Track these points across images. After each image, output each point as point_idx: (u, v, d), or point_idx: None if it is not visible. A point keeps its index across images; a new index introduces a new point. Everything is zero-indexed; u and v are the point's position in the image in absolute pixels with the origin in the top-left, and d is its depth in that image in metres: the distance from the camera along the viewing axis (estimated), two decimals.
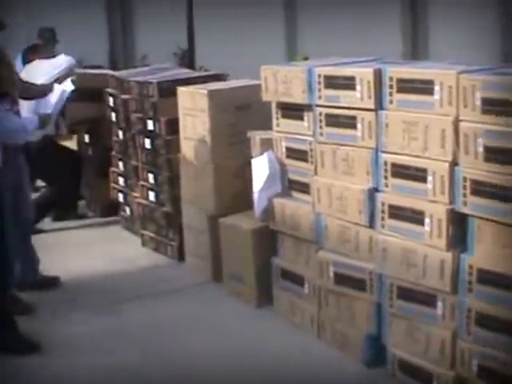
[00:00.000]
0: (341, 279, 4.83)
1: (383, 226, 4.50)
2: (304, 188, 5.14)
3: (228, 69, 11.56)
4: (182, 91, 6.24)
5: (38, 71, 7.34)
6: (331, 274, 4.88)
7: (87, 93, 7.77)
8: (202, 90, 6.01)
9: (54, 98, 6.63)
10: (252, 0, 13.63)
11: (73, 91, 6.84)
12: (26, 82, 6.22)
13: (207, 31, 12.69)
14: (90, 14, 12.26)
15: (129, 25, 13.08)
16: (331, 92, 4.74)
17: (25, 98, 6.16)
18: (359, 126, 4.59)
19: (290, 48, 14.57)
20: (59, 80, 7.01)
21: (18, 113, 5.62)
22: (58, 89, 6.61)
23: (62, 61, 7.68)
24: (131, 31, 13.15)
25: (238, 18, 13.69)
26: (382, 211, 4.49)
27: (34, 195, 7.68)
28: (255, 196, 5.50)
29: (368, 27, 14.14)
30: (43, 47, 8.58)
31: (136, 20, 13.17)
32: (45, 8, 11.89)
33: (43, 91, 6.25)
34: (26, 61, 8.34)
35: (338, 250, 4.85)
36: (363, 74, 4.52)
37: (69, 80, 7.13)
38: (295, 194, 5.26)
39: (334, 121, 4.76)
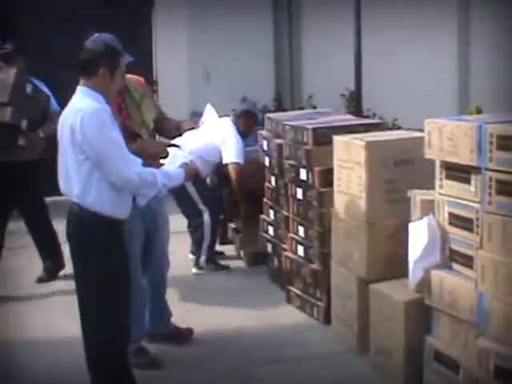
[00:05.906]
0: (503, 374, 4.12)
1: None
2: (467, 261, 4.49)
3: (396, 114, 11.08)
4: (338, 140, 5.69)
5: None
6: (491, 367, 4.18)
7: None
8: (358, 140, 5.43)
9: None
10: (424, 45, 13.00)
11: None
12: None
13: (377, 72, 12.13)
14: (256, 52, 12.03)
15: (296, 62, 12.71)
16: (504, 154, 4.09)
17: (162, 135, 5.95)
18: None
19: (462, 95, 13.77)
20: None
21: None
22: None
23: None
24: (299, 69, 12.77)
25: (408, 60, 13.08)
26: None
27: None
28: (411, 265, 4.90)
29: None
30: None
31: (304, 57, 12.79)
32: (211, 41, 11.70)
33: (178, 128, 5.84)
34: None
35: (502, 339, 4.16)
36: None
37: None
38: (456, 266, 4.62)
39: (506, 188, 4.10)
